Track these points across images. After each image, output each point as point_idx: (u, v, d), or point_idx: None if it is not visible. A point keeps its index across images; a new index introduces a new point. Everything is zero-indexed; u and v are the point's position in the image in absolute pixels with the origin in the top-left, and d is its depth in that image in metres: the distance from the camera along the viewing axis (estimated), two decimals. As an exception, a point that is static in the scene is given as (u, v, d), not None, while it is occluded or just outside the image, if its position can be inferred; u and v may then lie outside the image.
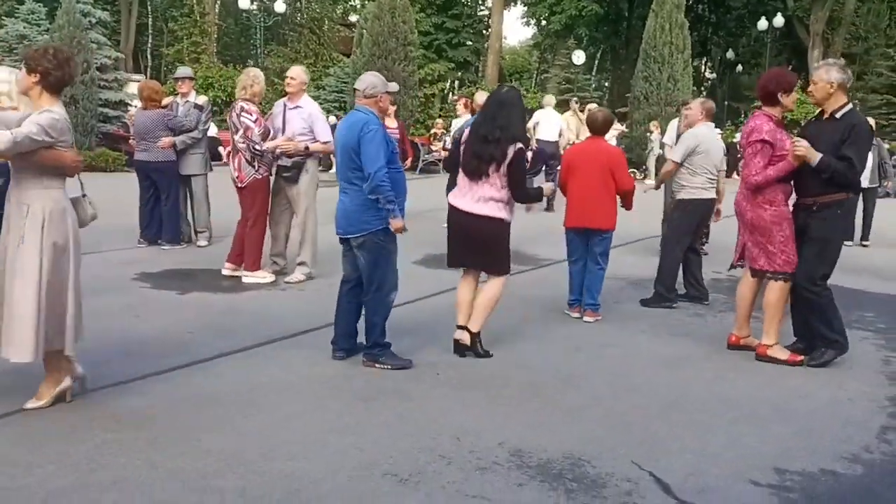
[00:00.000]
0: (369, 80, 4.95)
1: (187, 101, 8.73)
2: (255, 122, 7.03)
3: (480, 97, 9.25)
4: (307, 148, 7.09)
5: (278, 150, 7.09)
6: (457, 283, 5.37)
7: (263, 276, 7.17)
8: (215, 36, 33.22)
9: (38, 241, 3.81)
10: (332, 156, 7.44)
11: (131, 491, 3.17)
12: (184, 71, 9.03)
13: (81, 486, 3.19)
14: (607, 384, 4.79)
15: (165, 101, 8.80)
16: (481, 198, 5.00)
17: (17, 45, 19.21)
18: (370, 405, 4.26)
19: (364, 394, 4.42)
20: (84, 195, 4.33)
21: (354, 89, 5.06)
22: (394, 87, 7.03)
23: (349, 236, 4.88)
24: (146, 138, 8.55)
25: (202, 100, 8.90)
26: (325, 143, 7.18)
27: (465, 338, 5.14)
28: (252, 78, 7.22)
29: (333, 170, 11.07)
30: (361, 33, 22.02)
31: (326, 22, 35.65)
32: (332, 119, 16.62)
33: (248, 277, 7.14)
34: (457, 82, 33.61)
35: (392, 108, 9.89)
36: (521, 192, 5.07)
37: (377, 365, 4.85)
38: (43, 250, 3.81)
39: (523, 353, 5.33)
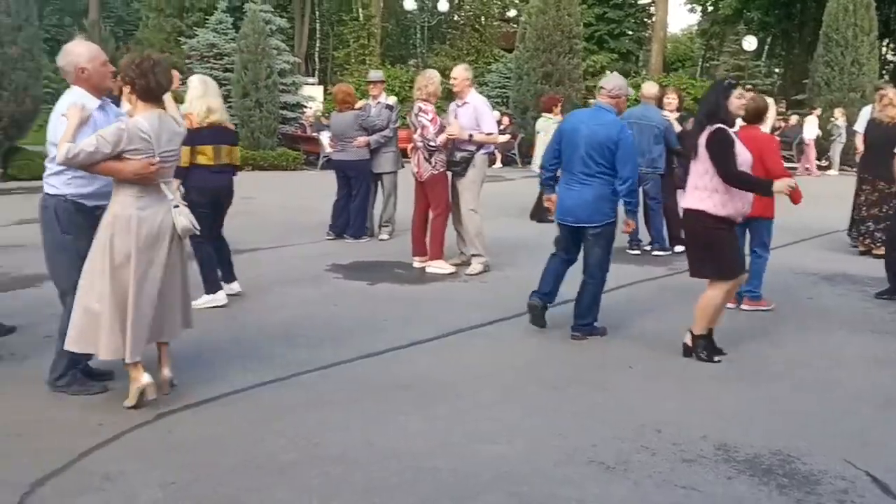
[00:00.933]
0: (618, 82, 5.43)
1: (378, 102, 9.16)
2: (430, 120, 7.34)
3: (649, 88, 9.09)
4: (471, 137, 7.30)
5: (445, 137, 7.33)
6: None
7: (445, 266, 7.43)
8: (379, 38, 34.39)
9: (102, 243, 3.94)
10: (496, 150, 7.59)
11: (353, 466, 3.42)
12: (375, 74, 9.48)
13: (309, 459, 3.48)
14: (812, 379, 4.64)
15: (359, 103, 9.29)
16: (690, 187, 4.96)
17: (208, 53, 20.73)
18: (564, 394, 4.35)
19: (556, 383, 4.52)
20: (176, 206, 4.07)
21: (600, 87, 5.45)
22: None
23: (588, 225, 5.26)
24: (342, 139, 9.08)
25: (392, 100, 9.33)
26: (488, 133, 7.38)
27: (688, 339, 5.05)
28: (427, 79, 7.55)
29: (533, 163, 11.10)
30: (525, 28, 22.03)
31: (485, 18, 36.02)
32: (496, 114, 16.80)
33: (431, 267, 7.44)
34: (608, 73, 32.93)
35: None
36: (727, 173, 4.71)
37: (587, 337, 5.36)
38: (105, 252, 3.92)
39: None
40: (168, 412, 3.99)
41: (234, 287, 6.34)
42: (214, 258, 6.13)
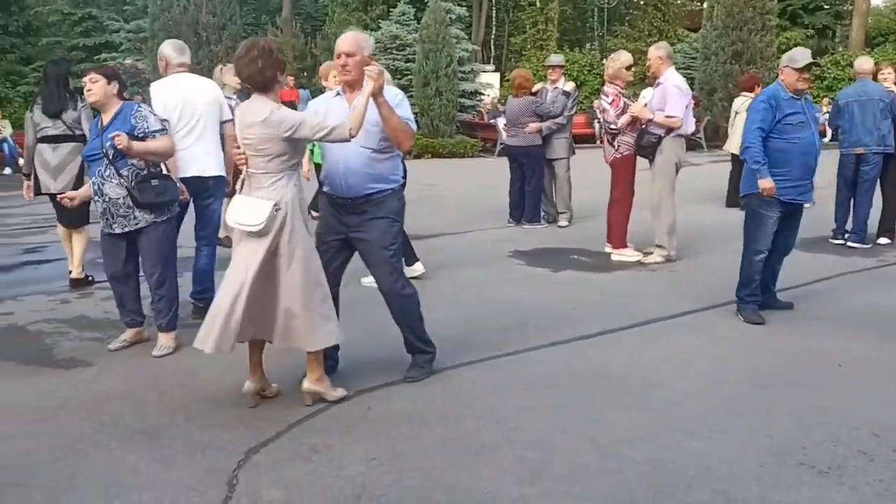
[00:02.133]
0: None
1: (556, 87, 9.05)
2: (611, 103, 7.17)
3: (864, 63, 8.32)
4: (651, 119, 6.96)
5: (627, 119, 7.08)
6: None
7: (630, 254, 7.23)
8: (557, 22, 33.99)
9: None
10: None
11: (551, 451, 3.38)
12: (555, 59, 9.37)
13: (507, 442, 3.48)
14: None
15: (536, 87, 9.21)
16: None
17: (391, 44, 21.36)
18: (770, 392, 4.08)
19: (759, 379, 4.26)
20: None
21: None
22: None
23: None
24: (515, 124, 9.05)
25: (570, 86, 9.16)
26: (667, 116, 6.88)
27: None
28: (610, 60, 7.42)
29: (728, 146, 10.58)
30: (713, 5, 20.97)
31: (668, -3, 34.62)
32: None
33: (615, 255, 7.27)
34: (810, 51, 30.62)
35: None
36: None
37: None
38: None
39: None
40: (367, 389, 4.13)
41: (418, 268, 6.52)
42: None
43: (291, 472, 3.25)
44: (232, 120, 5.57)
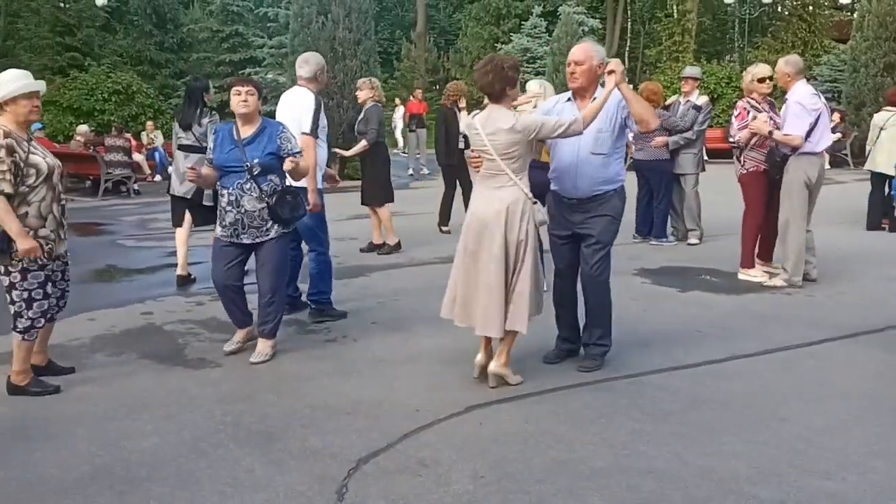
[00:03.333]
0: None
1: (688, 100, 8.76)
2: (736, 116, 6.98)
3: None
4: (771, 133, 6.58)
5: (746, 134, 6.78)
6: None
7: (755, 274, 6.90)
8: (694, 33, 32.98)
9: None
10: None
11: (666, 482, 3.23)
12: (690, 70, 9.06)
13: (619, 469, 3.35)
14: None
15: (669, 101, 8.95)
16: None
17: (522, 57, 21.40)
18: (916, 432, 3.75)
19: (904, 418, 3.92)
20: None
21: None
22: None
23: None
24: (642, 138, 8.79)
25: (702, 100, 8.84)
26: (785, 134, 6.50)
27: None
28: (745, 73, 7.18)
29: (870, 164, 9.95)
30: (864, 15, 19.76)
31: (813, 7, 32.94)
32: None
33: (741, 274, 6.97)
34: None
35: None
36: None
37: None
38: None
39: None
40: (479, 405, 4.09)
41: None
42: None
43: (399, 485, 3.26)
44: (307, 133, 5.58)
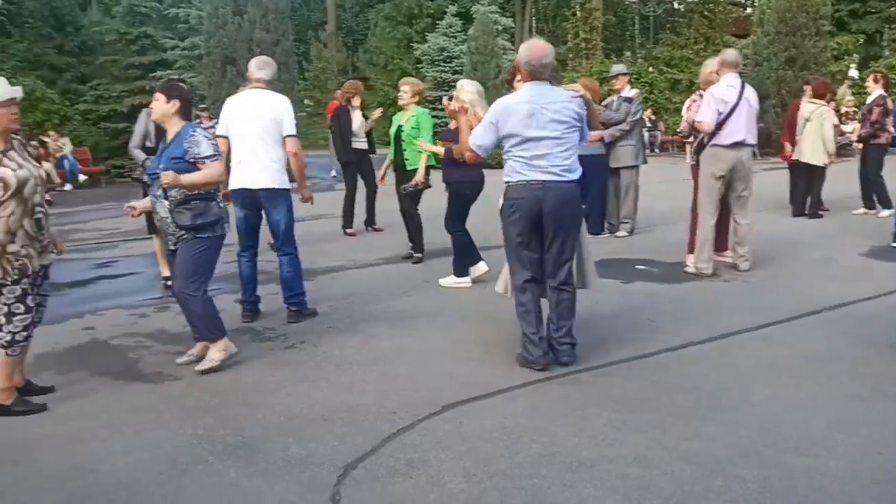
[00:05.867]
0: None
1: (620, 96, 8.99)
2: (687, 108, 7.32)
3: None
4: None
5: (683, 123, 7.21)
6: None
7: (691, 262, 7.11)
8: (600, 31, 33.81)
9: None
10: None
11: (652, 468, 3.32)
12: (617, 68, 9.29)
13: (605, 458, 3.43)
14: None
15: (607, 100, 9.17)
16: None
17: (438, 56, 21.48)
18: (871, 406, 3.97)
19: (857, 392, 4.14)
20: None
21: None
22: None
23: None
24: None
25: (633, 92, 9.09)
26: (696, 121, 6.91)
27: None
28: (702, 68, 7.51)
29: (803, 154, 10.41)
30: (763, 10, 20.68)
31: (714, 4, 34.19)
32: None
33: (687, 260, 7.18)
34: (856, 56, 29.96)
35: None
36: None
37: None
38: None
39: None
40: (453, 404, 4.11)
41: (482, 267, 6.93)
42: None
43: (393, 487, 3.24)
44: (294, 135, 5.60)
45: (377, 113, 10.35)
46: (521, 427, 3.79)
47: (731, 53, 7.00)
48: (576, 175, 4.54)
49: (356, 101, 9.89)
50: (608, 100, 9.24)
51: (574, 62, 29.82)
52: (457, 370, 4.61)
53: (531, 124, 4.44)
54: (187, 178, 4.53)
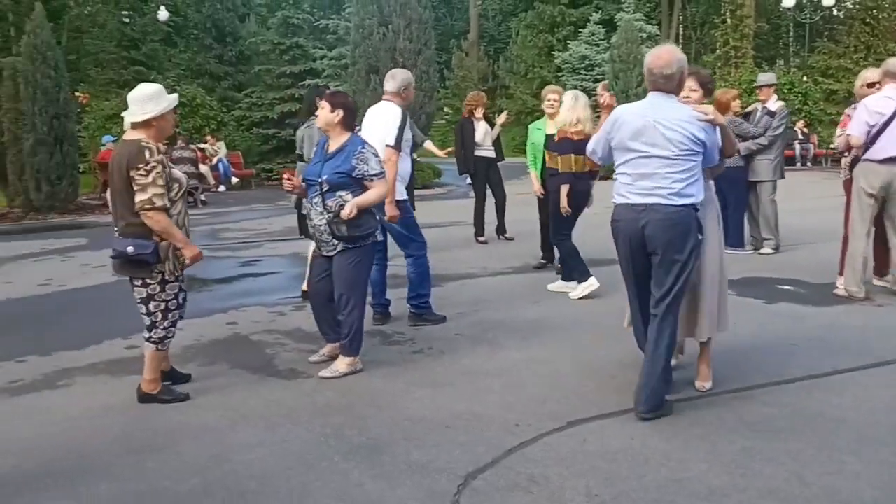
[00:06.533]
0: None
1: (764, 107, 8.59)
2: (841, 123, 6.95)
3: None
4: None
5: (843, 140, 6.64)
6: None
7: (840, 284, 6.64)
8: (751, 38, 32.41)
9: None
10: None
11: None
12: (764, 77, 8.88)
13: (737, 488, 3.25)
14: None
15: (749, 108, 8.81)
16: None
17: (579, 65, 21.27)
18: None
19: None
20: None
21: None
22: None
23: None
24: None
25: (777, 105, 8.65)
26: (847, 135, 6.46)
27: None
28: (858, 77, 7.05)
29: None
30: (936, 16, 19.20)
31: (878, 11, 32.04)
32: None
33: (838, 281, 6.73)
34: None
35: None
36: None
37: None
38: None
39: None
40: (579, 420, 4.03)
41: (593, 282, 6.76)
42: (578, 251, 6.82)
43: (512, 501, 3.21)
44: (390, 145, 5.61)
45: (503, 117, 10.20)
46: (649, 449, 3.66)
47: (893, 63, 6.51)
48: (689, 200, 3.97)
49: (479, 113, 9.89)
50: (752, 106, 8.85)
51: (722, 71, 28.77)
52: (584, 386, 4.51)
53: (640, 139, 4.01)
54: (363, 200, 4.67)
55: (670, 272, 4.00)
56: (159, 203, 4.14)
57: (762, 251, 8.64)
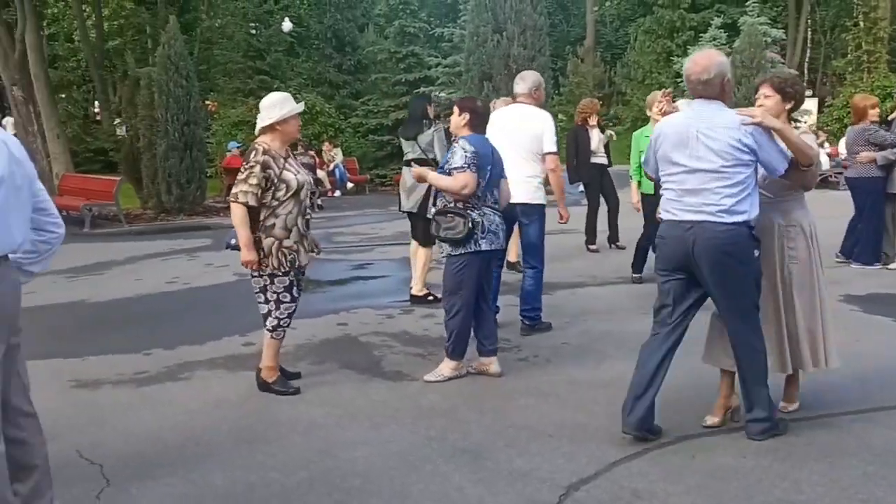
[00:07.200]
0: None
1: (898, 114, 8.14)
2: None
3: None
4: None
5: None
6: None
7: None
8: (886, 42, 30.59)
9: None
10: None
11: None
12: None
13: (857, 515, 3.08)
14: None
15: (892, 116, 8.40)
16: None
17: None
18: None
19: None
20: None
21: None
22: None
23: None
24: (850, 154, 8.32)
25: (906, 112, 8.18)
26: None
27: None
28: None
29: None
30: None
31: None
32: None
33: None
34: None
35: None
36: None
37: None
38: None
39: None
40: (688, 436, 3.91)
41: None
42: None
43: (614, 514, 3.15)
44: (554, 152, 5.67)
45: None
46: (761, 468, 3.52)
47: None
48: (742, 217, 3.65)
49: (592, 121, 9.80)
50: (894, 115, 8.39)
51: (853, 76, 27.31)
52: (696, 401, 4.35)
53: (683, 151, 3.71)
54: (432, 175, 4.91)
55: (728, 294, 3.76)
56: (242, 199, 4.44)
57: (891, 266, 8.15)
